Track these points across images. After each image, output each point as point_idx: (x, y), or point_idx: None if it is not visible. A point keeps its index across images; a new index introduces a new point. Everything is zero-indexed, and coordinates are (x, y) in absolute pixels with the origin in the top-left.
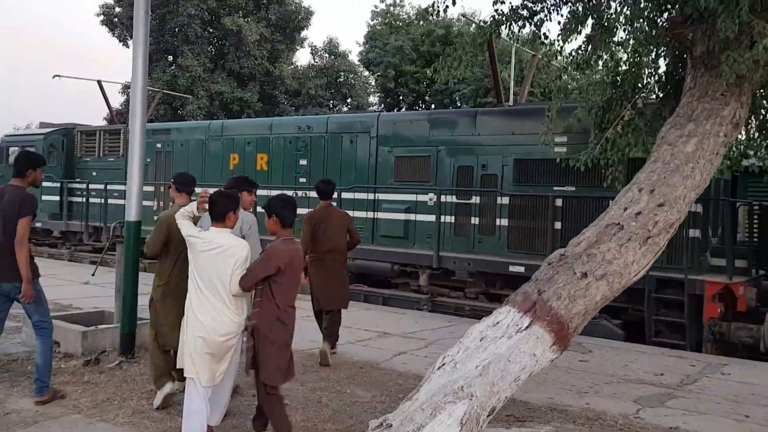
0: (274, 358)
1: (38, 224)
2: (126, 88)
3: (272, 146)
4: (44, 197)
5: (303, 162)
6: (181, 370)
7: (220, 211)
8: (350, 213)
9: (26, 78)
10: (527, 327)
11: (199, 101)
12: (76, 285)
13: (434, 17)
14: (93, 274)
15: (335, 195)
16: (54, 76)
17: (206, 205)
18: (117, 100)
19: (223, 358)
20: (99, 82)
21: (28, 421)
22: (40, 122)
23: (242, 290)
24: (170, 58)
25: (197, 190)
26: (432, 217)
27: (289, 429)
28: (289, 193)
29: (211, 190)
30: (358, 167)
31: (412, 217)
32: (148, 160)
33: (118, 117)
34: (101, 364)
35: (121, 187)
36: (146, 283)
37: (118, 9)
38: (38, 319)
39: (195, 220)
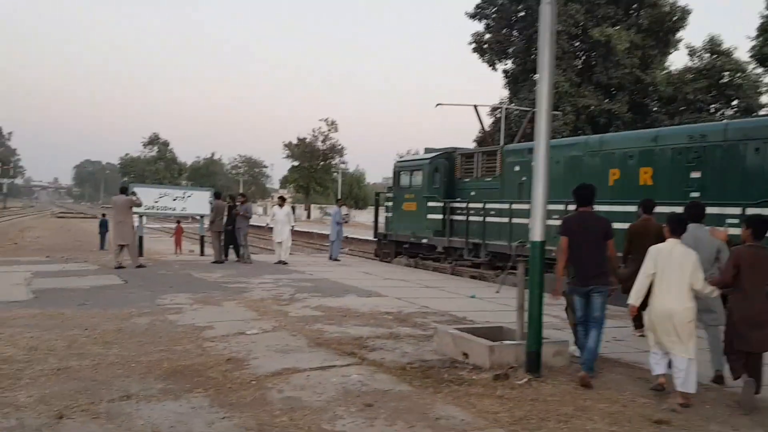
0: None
1: (424, 240)
2: (494, 110)
3: (657, 159)
4: (428, 216)
5: (695, 175)
6: None
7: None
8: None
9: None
10: None
11: (565, 117)
12: (461, 298)
13: None
14: (497, 291)
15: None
16: (437, 105)
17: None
18: (486, 122)
19: (676, 333)
20: (475, 107)
21: (458, 429)
22: (425, 147)
23: (717, 286)
24: (536, 77)
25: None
26: None
27: None
28: (678, 209)
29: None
30: (766, 179)
31: None
32: (524, 178)
33: (489, 138)
34: (510, 380)
35: (499, 206)
36: (548, 303)
37: (487, 36)
38: (599, 314)
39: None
